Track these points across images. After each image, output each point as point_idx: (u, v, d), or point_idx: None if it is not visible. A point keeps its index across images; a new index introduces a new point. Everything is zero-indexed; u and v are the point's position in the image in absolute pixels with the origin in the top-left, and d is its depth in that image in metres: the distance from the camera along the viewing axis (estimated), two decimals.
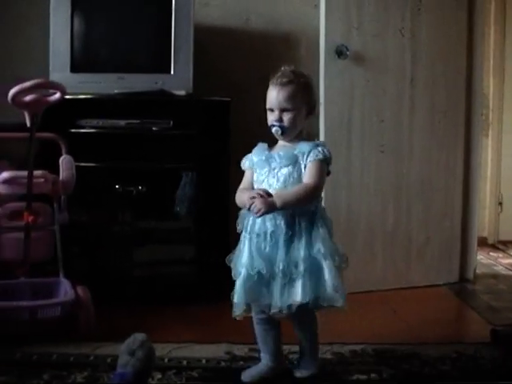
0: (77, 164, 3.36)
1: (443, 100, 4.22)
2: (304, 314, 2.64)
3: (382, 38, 4.03)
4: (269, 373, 2.77)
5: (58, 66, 3.71)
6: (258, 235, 2.61)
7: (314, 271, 2.56)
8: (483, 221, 5.44)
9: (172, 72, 3.78)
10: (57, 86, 3.18)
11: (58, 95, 3.17)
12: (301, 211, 2.60)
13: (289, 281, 2.55)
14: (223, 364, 2.94)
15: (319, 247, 2.56)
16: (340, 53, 3.90)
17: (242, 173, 2.78)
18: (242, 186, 2.77)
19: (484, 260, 5.02)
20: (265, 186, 2.64)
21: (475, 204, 4.47)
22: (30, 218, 3.19)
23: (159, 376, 2.76)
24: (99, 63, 3.85)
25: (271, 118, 2.65)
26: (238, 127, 3.79)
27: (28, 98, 3.10)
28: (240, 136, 3.73)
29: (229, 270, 2.67)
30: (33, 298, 3.17)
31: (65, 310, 3.08)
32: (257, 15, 4.28)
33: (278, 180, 2.62)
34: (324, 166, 2.64)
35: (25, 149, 3.19)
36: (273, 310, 2.57)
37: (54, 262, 3.29)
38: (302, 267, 2.53)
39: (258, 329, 2.78)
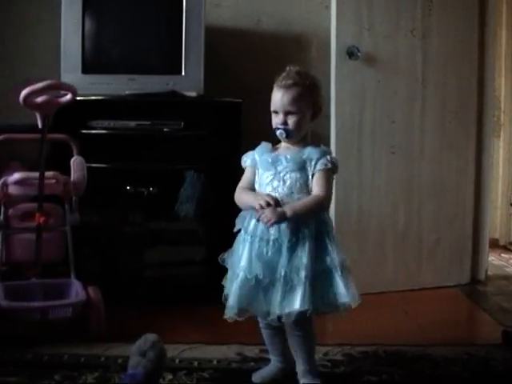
0: (88, 165, 3.37)
1: (454, 101, 4.20)
2: (302, 323, 2.58)
3: (393, 38, 4.02)
4: (279, 374, 2.78)
5: (70, 68, 3.71)
6: (261, 239, 2.56)
7: (321, 280, 2.52)
8: (495, 222, 5.42)
9: (183, 73, 3.78)
10: (68, 88, 3.19)
11: (69, 96, 3.17)
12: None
13: (290, 288, 2.50)
14: (234, 365, 2.94)
15: (332, 258, 2.54)
16: (351, 54, 3.90)
17: None
18: (241, 184, 2.73)
19: (495, 261, 5.00)
20: (269, 188, 2.61)
21: (487, 205, 4.46)
22: (42, 219, 3.20)
23: (170, 377, 2.77)
24: (110, 64, 3.85)
25: (276, 120, 2.62)
26: (249, 128, 3.78)
27: (39, 99, 3.10)
28: (251, 137, 3.70)
29: None
30: (44, 298, 3.18)
31: (76, 310, 3.09)
32: (268, 16, 4.28)
33: (283, 184, 2.59)
34: (332, 175, 2.63)
35: (36, 150, 3.20)
36: (271, 317, 2.54)
37: (66, 263, 3.30)
38: (303, 274, 2.48)
39: (264, 333, 2.78)
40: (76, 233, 3.33)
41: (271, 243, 2.54)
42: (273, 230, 2.54)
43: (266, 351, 2.87)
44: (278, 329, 2.69)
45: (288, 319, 2.53)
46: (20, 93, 3.04)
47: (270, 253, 2.54)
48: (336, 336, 3.01)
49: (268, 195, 2.56)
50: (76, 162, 3.35)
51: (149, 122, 3.70)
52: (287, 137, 2.61)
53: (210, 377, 2.81)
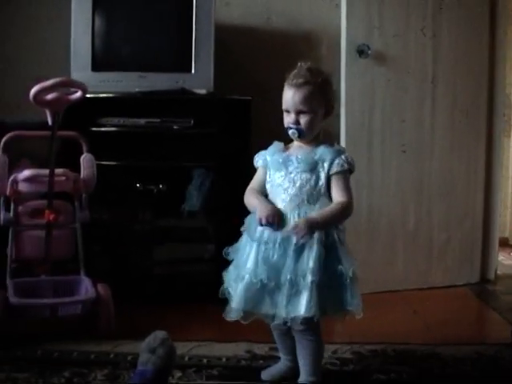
0: (98, 162, 3.38)
1: (465, 100, 4.19)
2: (308, 328, 2.55)
3: (404, 37, 4.01)
4: (288, 372, 2.77)
5: (80, 65, 3.72)
6: (267, 243, 2.53)
7: (328, 287, 2.48)
8: (505, 221, 5.41)
9: (193, 71, 3.79)
10: (78, 85, 3.19)
11: (79, 94, 3.18)
12: None
13: (295, 292, 2.47)
14: (243, 363, 2.95)
15: (344, 266, 2.50)
16: (361, 52, 3.89)
17: None
18: (251, 185, 2.72)
19: (505, 261, 4.98)
20: (279, 189, 2.58)
21: (497, 204, 4.45)
22: (52, 216, 3.21)
23: (179, 374, 2.77)
24: (120, 62, 3.85)
25: (288, 119, 2.59)
26: (259, 126, 3.78)
27: (49, 96, 3.11)
28: (261, 135, 3.72)
29: None
30: (54, 295, 3.19)
31: (85, 307, 3.10)
32: (278, 14, 4.28)
33: (293, 184, 2.56)
34: (349, 176, 2.60)
35: (46, 147, 3.21)
36: (276, 321, 2.52)
37: (75, 260, 3.31)
38: (309, 279, 2.44)
39: (274, 333, 2.76)
40: (86, 230, 3.34)
41: (277, 246, 2.51)
42: (279, 233, 2.50)
43: (276, 349, 2.87)
44: (288, 329, 2.65)
45: (293, 324, 2.51)
46: (30, 90, 3.05)
47: (276, 256, 2.51)
48: (345, 334, 3.00)
49: (272, 209, 2.54)
50: (86, 159, 3.35)
51: (159, 120, 3.71)
52: (299, 136, 2.58)
53: (219, 374, 2.81)
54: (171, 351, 2.52)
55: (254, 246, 2.56)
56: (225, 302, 2.63)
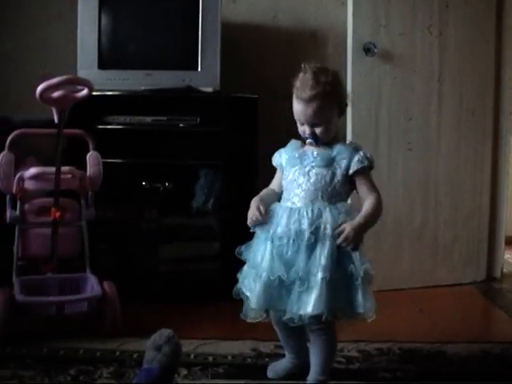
0: (104, 160, 3.38)
1: (471, 98, 4.18)
2: (321, 327, 2.54)
3: (410, 35, 4.00)
4: (293, 369, 2.78)
5: (86, 63, 3.73)
6: (281, 238, 2.51)
7: (340, 286, 2.46)
8: (511, 219, 5.39)
9: (199, 69, 3.78)
10: (84, 83, 3.18)
11: (85, 91, 3.18)
12: (331, 217, 2.48)
13: (306, 289, 2.45)
14: (249, 361, 2.95)
15: (356, 265, 2.47)
16: (368, 50, 3.89)
17: (269, 170, 2.75)
18: (271, 185, 2.72)
19: (511, 259, 4.98)
20: (294, 185, 2.57)
21: (503, 203, 4.44)
22: (58, 214, 3.20)
23: (185, 372, 2.77)
24: (126, 60, 3.86)
25: (302, 129, 2.57)
26: (266, 124, 3.78)
27: (55, 94, 3.10)
28: (267, 133, 3.73)
29: None
30: (60, 293, 3.20)
31: (91, 305, 3.10)
32: (284, 12, 4.28)
33: (308, 179, 2.55)
34: (370, 173, 2.60)
35: (52, 145, 3.20)
36: (287, 317, 2.49)
37: (81, 258, 3.32)
38: (320, 276, 2.43)
39: (279, 334, 2.76)
40: (92, 228, 3.34)
41: (291, 242, 2.49)
42: (293, 229, 2.49)
43: (281, 347, 2.86)
44: (293, 329, 2.63)
45: (301, 322, 2.49)
46: (36, 88, 3.05)
47: (290, 252, 2.50)
48: (351, 332, 2.99)
49: (252, 210, 2.57)
50: (92, 157, 3.35)
51: (165, 118, 3.71)
52: (317, 144, 2.57)
53: (225, 372, 2.81)
54: (177, 349, 2.52)
55: (269, 243, 2.54)
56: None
